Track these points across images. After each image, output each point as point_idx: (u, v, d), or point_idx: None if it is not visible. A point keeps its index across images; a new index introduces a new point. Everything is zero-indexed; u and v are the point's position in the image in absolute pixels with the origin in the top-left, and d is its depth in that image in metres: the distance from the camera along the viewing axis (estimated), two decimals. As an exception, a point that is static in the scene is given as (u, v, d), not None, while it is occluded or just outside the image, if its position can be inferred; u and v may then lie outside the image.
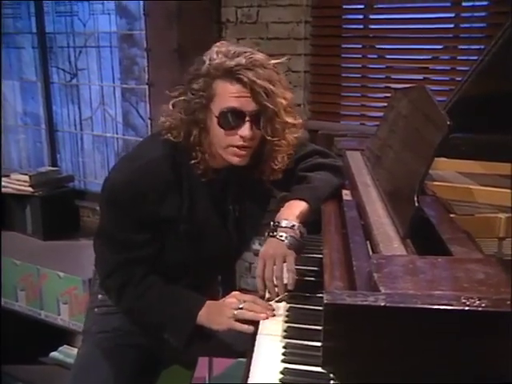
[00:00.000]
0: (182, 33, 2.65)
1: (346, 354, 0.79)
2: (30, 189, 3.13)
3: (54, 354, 2.81)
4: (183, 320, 1.32)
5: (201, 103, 1.28)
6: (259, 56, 1.29)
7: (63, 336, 2.78)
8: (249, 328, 1.23)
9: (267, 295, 1.30)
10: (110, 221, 1.36)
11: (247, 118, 1.27)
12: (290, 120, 1.33)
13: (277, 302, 1.30)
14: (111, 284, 1.39)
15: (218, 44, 1.32)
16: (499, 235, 1.24)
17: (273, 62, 1.32)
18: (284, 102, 1.30)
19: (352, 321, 0.77)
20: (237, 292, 1.32)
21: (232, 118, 1.27)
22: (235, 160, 1.32)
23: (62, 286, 2.68)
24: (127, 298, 1.36)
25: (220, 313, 1.29)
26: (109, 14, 3.32)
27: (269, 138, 1.32)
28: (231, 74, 1.24)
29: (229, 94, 1.25)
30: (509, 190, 1.35)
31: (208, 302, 1.34)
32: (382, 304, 0.75)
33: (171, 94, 1.34)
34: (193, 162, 1.32)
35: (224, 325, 1.28)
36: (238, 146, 1.29)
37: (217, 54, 1.27)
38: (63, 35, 3.56)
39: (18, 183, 3.17)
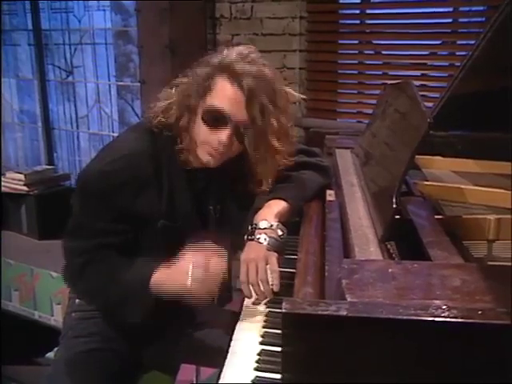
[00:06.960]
0: (173, 29, 2.61)
1: (307, 364, 0.74)
2: (25, 188, 3.10)
3: (49, 354, 2.77)
4: (137, 285, 1.25)
5: (198, 90, 1.26)
6: (272, 75, 1.26)
7: (59, 337, 2.75)
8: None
9: (254, 299, 1.27)
10: (81, 211, 1.31)
11: (231, 125, 1.24)
12: (276, 145, 1.28)
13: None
14: (73, 268, 1.32)
15: (246, 45, 1.31)
16: (489, 237, 1.19)
17: (287, 89, 1.31)
18: (276, 124, 1.26)
19: (313, 330, 0.73)
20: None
21: (216, 119, 1.24)
22: (206, 158, 1.28)
23: (54, 286, 2.65)
24: (87, 276, 1.30)
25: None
26: (104, 10, 3.29)
27: (250, 154, 1.28)
28: (235, 76, 1.22)
29: (225, 94, 1.23)
30: (503, 190, 1.29)
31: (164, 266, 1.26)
32: (344, 314, 0.71)
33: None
34: (177, 147, 1.29)
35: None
36: (213, 147, 1.26)
37: (237, 52, 1.26)
38: (59, 32, 3.53)
39: (13, 182, 3.14)
